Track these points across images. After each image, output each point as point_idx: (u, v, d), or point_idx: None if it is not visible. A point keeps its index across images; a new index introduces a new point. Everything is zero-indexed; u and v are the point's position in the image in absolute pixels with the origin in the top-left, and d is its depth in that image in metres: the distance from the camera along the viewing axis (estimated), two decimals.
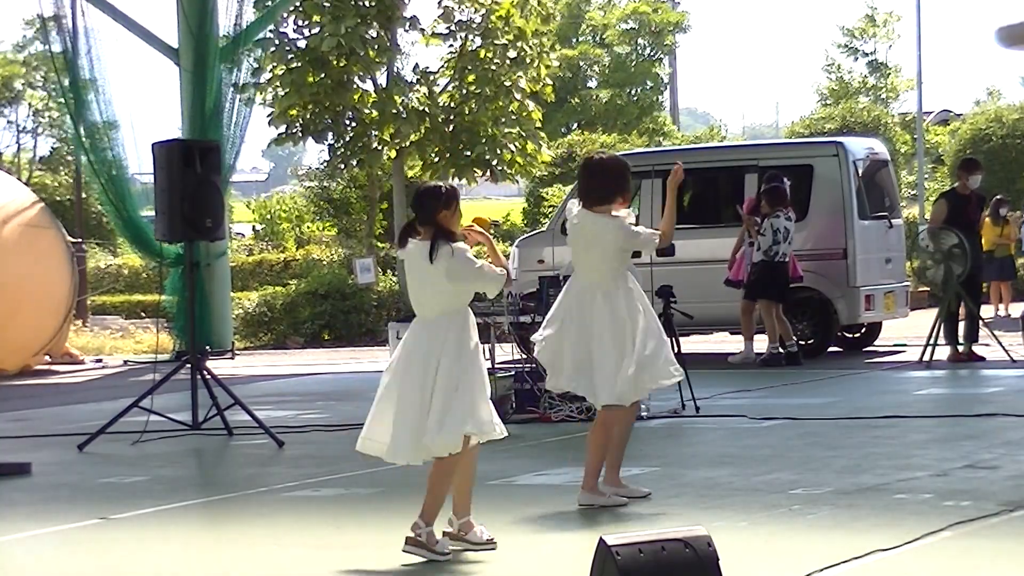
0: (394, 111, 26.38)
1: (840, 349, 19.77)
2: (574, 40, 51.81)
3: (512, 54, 26.48)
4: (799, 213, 18.77)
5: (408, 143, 26.70)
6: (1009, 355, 17.26)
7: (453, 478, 8.02)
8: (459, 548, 7.98)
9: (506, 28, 26.47)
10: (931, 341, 17.29)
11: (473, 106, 26.52)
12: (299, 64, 26.10)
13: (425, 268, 7.98)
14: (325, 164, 28.53)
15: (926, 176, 36.56)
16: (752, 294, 18.11)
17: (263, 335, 27.24)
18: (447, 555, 7.87)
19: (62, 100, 24.41)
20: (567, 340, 9.07)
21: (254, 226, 41.28)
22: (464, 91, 26.78)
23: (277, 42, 26.07)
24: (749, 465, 10.55)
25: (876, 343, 20.25)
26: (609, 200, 9.10)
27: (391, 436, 7.96)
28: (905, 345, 19.70)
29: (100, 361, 24.52)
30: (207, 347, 21.32)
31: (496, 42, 26.45)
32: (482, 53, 26.65)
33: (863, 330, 20.12)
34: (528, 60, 26.79)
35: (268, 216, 39.67)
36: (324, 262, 32.19)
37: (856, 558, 7.39)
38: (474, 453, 8.09)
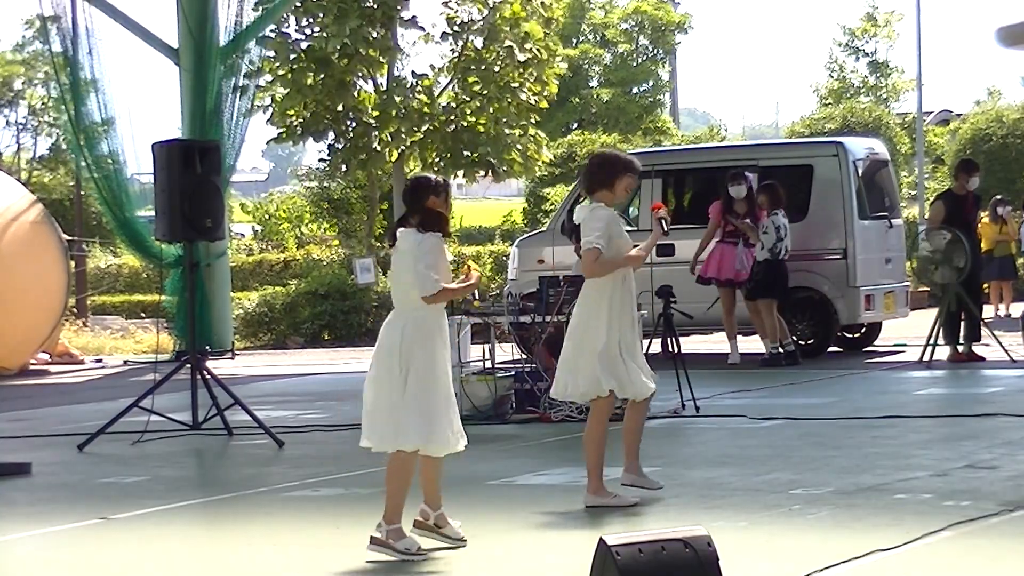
0: (395, 112, 26.36)
1: (840, 349, 19.76)
2: (575, 40, 51.73)
3: (522, 57, 26.34)
4: (799, 213, 18.77)
5: (409, 144, 26.68)
6: (1009, 355, 17.26)
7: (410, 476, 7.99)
8: (437, 545, 7.99)
9: (514, 31, 26.38)
10: (931, 341, 17.29)
11: (476, 106, 26.49)
12: (300, 64, 26.08)
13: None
14: (325, 164, 28.51)
15: (926, 176, 36.50)
16: (755, 293, 18.09)
17: (263, 335, 27.24)
18: (416, 553, 7.83)
19: (61, 100, 24.32)
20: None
21: (253, 227, 41.27)
22: (465, 91, 26.74)
23: (279, 42, 26.03)
24: (749, 465, 10.55)
25: (876, 343, 20.24)
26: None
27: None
28: (905, 345, 19.70)
29: (100, 361, 24.51)
30: (207, 347, 21.32)
31: (500, 45, 26.36)
32: (484, 53, 26.61)
33: (863, 330, 20.11)
34: (537, 62, 26.69)
35: (267, 217, 39.66)
36: (324, 262, 32.18)
37: (856, 558, 7.39)
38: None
